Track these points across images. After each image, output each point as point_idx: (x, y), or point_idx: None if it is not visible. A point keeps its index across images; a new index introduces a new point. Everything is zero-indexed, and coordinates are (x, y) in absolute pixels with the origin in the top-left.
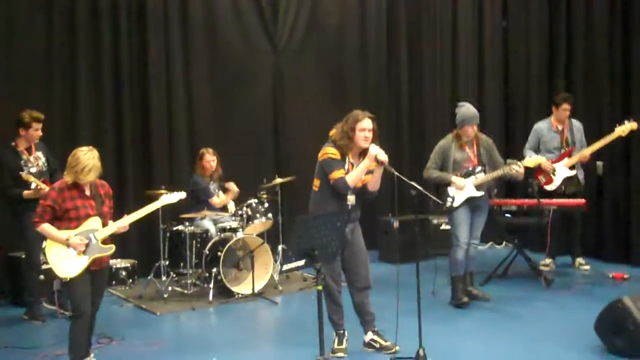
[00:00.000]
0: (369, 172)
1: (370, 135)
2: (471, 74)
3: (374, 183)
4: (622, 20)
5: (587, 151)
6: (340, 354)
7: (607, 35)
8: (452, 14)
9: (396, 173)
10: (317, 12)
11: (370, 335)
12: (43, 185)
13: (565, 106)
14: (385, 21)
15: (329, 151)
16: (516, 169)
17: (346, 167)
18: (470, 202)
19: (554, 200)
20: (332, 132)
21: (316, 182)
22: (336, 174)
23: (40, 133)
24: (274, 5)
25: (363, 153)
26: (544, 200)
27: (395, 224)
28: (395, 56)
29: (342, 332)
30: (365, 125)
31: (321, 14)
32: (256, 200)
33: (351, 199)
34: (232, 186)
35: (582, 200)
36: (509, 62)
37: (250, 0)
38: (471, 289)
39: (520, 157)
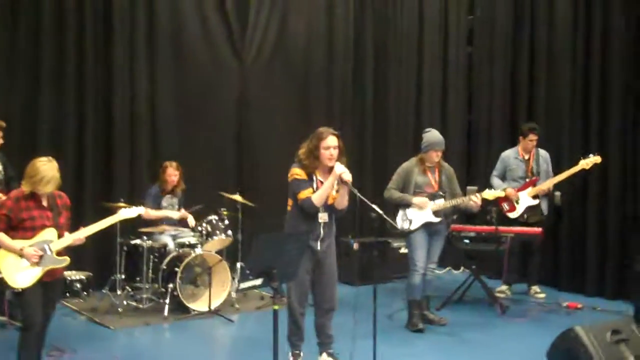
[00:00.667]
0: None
1: (335, 152)
2: (435, 97)
3: (340, 201)
4: (584, 49)
5: (547, 184)
6: None
7: (570, 64)
8: (418, 37)
9: (358, 194)
10: (285, 31)
11: (324, 357)
12: (0, 195)
13: (532, 136)
14: (352, 40)
15: (295, 172)
16: (474, 199)
17: (315, 185)
18: (427, 227)
19: (512, 228)
20: (301, 151)
21: (289, 202)
22: (302, 194)
23: (1, 141)
24: (241, 22)
25: (331, 170)
26: (501, 228)
27: (355, 246)
28: (361, 77)
29: (298, 352)
30: (330, 143)
31: (288, 33)
32: (217, 217)
33: (323, 216)
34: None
35: (539, 229)
36: (472, 89)
37: (217, 17)
38: (427, 313)
39: (483, 183)
